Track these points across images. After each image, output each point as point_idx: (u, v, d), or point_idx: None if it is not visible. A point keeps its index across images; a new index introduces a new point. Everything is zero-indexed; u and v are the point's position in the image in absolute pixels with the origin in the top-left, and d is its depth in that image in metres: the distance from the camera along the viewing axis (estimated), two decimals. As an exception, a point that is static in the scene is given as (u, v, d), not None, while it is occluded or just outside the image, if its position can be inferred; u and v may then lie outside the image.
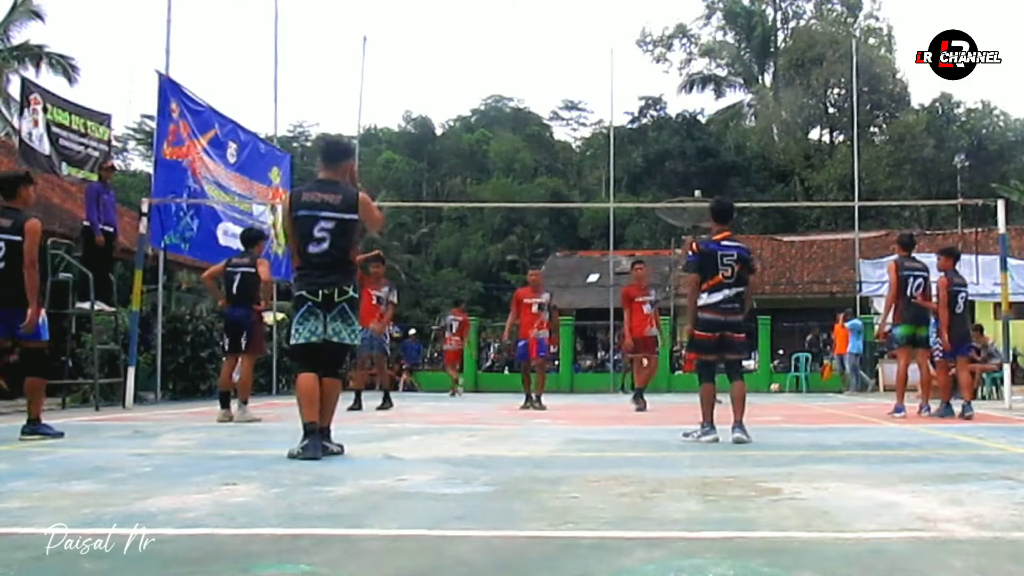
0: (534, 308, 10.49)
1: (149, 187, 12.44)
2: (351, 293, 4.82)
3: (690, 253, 6.10)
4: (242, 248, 8.52)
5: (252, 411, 7.96)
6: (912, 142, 34.24)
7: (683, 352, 17.58)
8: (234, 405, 7.99)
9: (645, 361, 10.58)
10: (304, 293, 4.80)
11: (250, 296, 7.99)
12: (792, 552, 2.47)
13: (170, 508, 3.15)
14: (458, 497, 3.47)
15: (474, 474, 4.13)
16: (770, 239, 28.15)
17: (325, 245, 4.76)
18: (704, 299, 5.84)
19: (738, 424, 5.78)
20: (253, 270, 8.01)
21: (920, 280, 8.70)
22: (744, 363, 10.15)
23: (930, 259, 21.60)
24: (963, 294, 8.63)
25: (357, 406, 9.72)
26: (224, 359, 8.33)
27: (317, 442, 4.62)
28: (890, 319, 8.90)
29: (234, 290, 7.97)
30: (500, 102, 53.06)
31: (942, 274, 8.77)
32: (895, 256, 9.04)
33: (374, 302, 10.00)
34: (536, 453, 5.22)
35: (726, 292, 5.82)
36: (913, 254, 9.09)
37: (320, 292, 4.77)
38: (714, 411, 5.88)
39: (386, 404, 10.17)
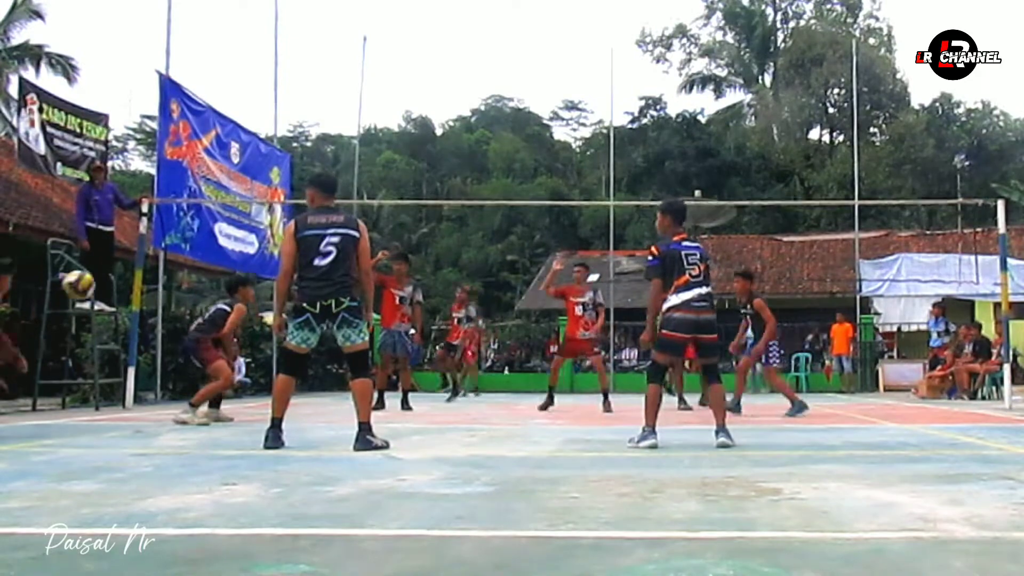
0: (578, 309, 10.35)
1: (150, 187, 12.44)
2: (348, 303, 5.21)
3: (650, 258, 5.78)
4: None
5: (201, 415, 7.68)
6: (912, 142, 34.21)
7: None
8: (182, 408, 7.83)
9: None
10: (304, 305, 5.24)
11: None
12: (792, 552, 2.47)
13: (170, 508, 3.14)
14: (458, 497, 3.47)
15: (474, 474, 4.13)
16: (770, 239, 28.12)
17: (331, 258, 5.22)
18: (674, 299, 5.60)
19: (721, 428, 5.55)
20: (227, 310, 8.00)
21: None
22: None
23: (933, 259, 21.54)
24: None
25: (380, 405, 9.62)
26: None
27: (275, 434, 5.27)
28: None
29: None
30: (500, 102, 53.10)
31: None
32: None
33: (396, 302, 10.02)
34: (536, 453, 5.22)
35: (696, 291, 5.61)
36: (911, 254, 9.18)
37: (318, 303, 5.19)
38: (658, 415, 5.61)
39: (405, 406, 10.14)
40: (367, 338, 5.36)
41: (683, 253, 5.68)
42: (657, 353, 5.77)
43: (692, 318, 5.58)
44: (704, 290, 5.66)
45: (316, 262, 5.20)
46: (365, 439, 5.16)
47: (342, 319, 5.18)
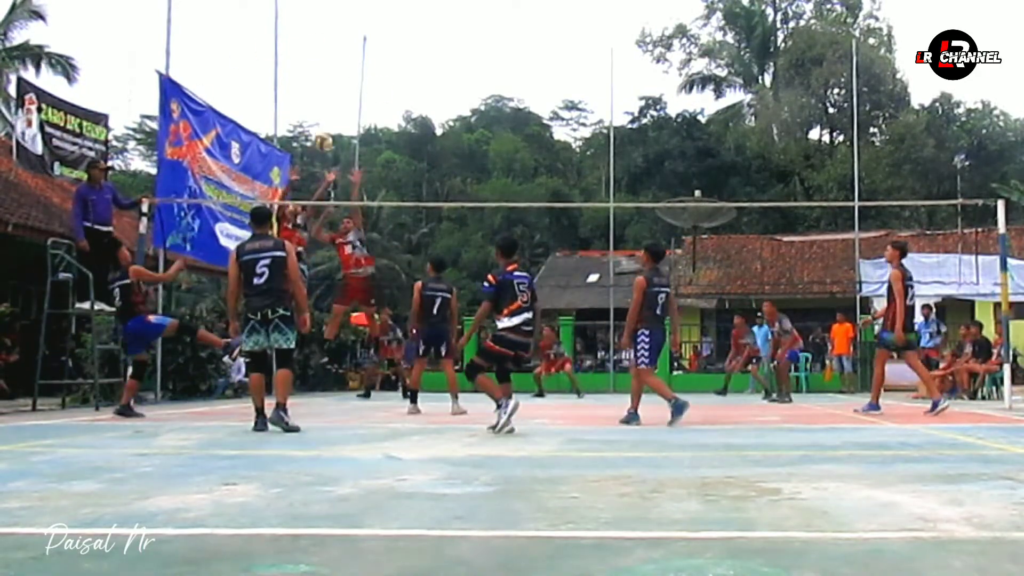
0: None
1: (150, 187, 12.45)
2: (282, 311, 6.59)
3: (486, 284, 6.79)
4: None
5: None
6: (912, 142, 34.19)
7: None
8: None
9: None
10: (248, 314, 6.66)
11: None
12: (792, 552, 2.47)
13: (170, 508, 3.14)
14: (458, 497, 3.46)
15: (474, 474, 4.13)
16: (770, 239, 28.10)
17: (265, 277, 6.58)
18: (506, 322, 6.63)
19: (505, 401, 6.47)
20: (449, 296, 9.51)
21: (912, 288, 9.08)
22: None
23: (933, 259, 21.60)
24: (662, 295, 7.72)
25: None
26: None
27: (260, 420, 6.54)
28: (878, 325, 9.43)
29: None
30: (500, 102, 53.15)
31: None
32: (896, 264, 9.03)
33: (349, 250, 10.59)
34: (536, 453, 5.22)
35: (525, 315, 6.66)
36: (911, 254, 9.25)
37: (259, 312, 6.58)
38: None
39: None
40: (293, 343, 6.71)
41: (515, 282, 6.72)
42: (480, 358, 6.84)
43: (520, 340, 6.72)
44: (529, 315, 6.73)
45: (255, 281, 6.59)
46: (280, 416, 6.38)
47: (275, 325, 6.55)
